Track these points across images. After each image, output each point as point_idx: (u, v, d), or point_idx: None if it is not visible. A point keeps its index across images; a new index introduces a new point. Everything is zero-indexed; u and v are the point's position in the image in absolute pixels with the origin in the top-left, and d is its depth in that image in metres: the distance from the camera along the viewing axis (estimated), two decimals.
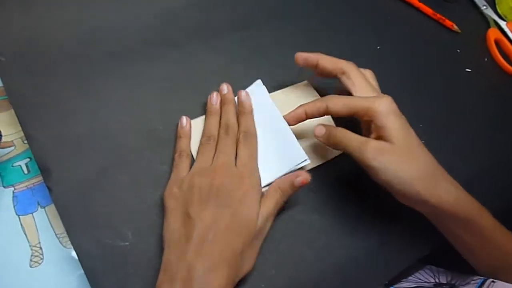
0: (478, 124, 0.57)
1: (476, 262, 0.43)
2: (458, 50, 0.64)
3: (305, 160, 0.43)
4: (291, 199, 0.44)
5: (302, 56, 0.47)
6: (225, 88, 0.47)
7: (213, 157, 0.41)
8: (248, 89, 0.48)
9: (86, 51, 0.49)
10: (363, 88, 0.43)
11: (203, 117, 0.47)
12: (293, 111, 0.44)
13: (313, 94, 0.50)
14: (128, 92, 0.48)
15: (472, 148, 0.55)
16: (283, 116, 0.45)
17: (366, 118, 0.40)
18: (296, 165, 0.43)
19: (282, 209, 0.43)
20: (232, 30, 0.56)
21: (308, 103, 0.43)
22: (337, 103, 0.41)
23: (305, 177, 0.40)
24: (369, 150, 0.38)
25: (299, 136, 0.45)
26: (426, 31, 0.65)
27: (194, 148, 0.44)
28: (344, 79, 0.44)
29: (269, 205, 0.40)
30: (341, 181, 0.47)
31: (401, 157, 0.38)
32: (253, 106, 0.47)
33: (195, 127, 0.46)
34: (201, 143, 0.43)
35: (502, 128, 0.58)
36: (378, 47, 0.60)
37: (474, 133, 0.56)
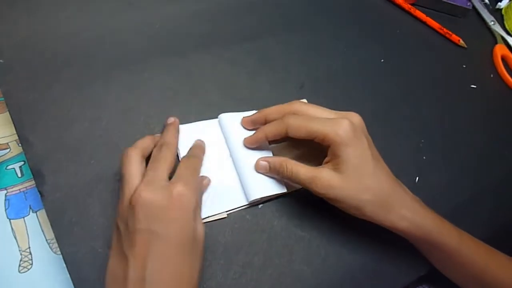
0: (483, 141, 0.56)
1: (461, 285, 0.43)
2: (464, 66, 0.63)
3: (283, 190, 0.43)
4: (290, 214, 0.43)
5: (247, 121, 0.45)
6: (171, 118, 0.45)
7: None
8: (242, 114, 0.46)
9: (88, 58, 0.49)
10: (321, 114, 0.41)
11: (191, 124, 0.46)
12: (253, 135, 0.43)
13: None
14: (129, 100, 0.47)
15: (477, 165, 0.54)
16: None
17: (324, 144, 0.39)
18: (274, 193, 0.42)
19: (280, 224, 0.42)
20: (237, 41, 0.56)
21: (268, 126, 0.42)
22: (297, 127, 0.39)
23: (209, 180, 0.41)
24: (318, 185, 0.38)
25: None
26: (432, 46, 0.65)
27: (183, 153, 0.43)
28: None
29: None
30: None
31: (351, 188, 0.38)
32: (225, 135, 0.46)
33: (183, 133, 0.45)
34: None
35: (508, 145, 0.57)
36: (382, 60, 0.59)
37: (479, 150, 0.55)
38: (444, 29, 0.65)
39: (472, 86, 0.61)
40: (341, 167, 0.38)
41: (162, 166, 0.36)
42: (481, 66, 0.65)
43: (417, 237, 0.40)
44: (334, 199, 0.38)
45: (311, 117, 0.40)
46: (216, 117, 0.47)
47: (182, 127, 0.45)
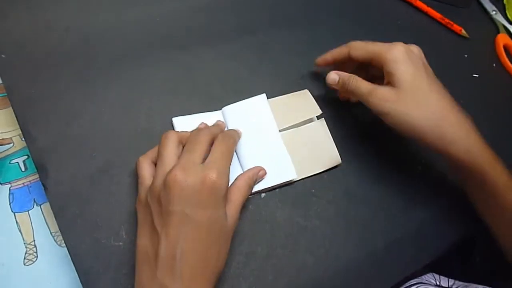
0: (486, 130, 0.56)
1: (498, 233, 0.42)
2: (466, 55, 0.63)
3: (294, 177, 0.44)
4: (293, 204, 0.43)
5: (324, 59, 0.49)
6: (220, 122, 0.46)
7: None
8: (250, 100, 0.48)
9: (90, 52, 0.49)
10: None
11: (188, 116, 0.46)
12: (322, 56, 0.49)
13: (312, 103, 0.49)
14: (131, 95, 0.47)
15: None
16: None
17: (378, 64, 0.42)
18: (285, 181, 0.44)
19: (283, 214, 0.43)
20: (238, 34, 0.56)
21: (335, 49, 0.47)
22: (358, 47, 0.44)
23: (264, 171, 0.43)
24: (375, 97, 0.41)
25: (291, 149, 0.45)
26: (434, 36, 0.64)
27: None
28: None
29: (238, 201, 0.38)
30: (342, 185, 0.46)
31: (406, 103, 0.40)
32: (253, 117, 0.46)
33: (180, 126, 0.45)
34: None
35: (511, 134, 0.57)
36: None
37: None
38: (446, 19, 0.65)
39: (475, 75, 0.61)
40: (396, 83, 0.40)
41: (199, 150, 0.37)
42: (483, 56, 0.64)
43: (466, 168, 0.40)
44: (388, 114, 0.40)
45: (372, 42, 0.44)
46: (218, 109, 0.47)
47: (181, 119, 0.45)
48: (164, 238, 0.33)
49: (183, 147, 0.38)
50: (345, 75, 0.45)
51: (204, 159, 0.36)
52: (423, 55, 0.43)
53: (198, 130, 0.39)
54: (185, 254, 0.32)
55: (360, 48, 0.44)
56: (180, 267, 0.32)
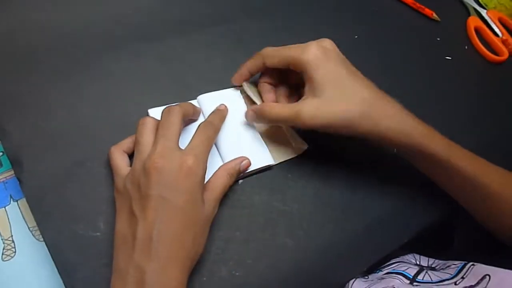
0: (460, 112, 0.57)
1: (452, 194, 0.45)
2: (438, 39, 0.64)
3: (271, 162, 0.45)
4: (271, 189, 0.44)
5: (235, 77, 0.46)
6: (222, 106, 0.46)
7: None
8: (221, 91, 0.48)
9: (64, 45, 0.49)
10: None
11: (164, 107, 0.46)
12: (237, 72, 0.46)
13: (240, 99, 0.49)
14: (106, 87, 0.47)
15: (454, 136, 0.54)
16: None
17: (296, 69, 0.41)
18: (263, 165, 0.44)
19: (261, 199, 0.43)
20: (212, 24, 0.56)
21: (247, 61, 0.45)
22: (271, 55, 0.42)
23: (247, 162, 0.42)
24: (304, 117, 0.39)
25: (266, 138, 0.46)
26: (406, 20, 0.65)
27: None
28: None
29: (216, 189, 0.39)
30: (319, 169, 0.46)
31: (334, 109, 0.39)
32: (228, 107, 0.46)
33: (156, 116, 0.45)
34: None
35: (484, 115, 0.58)
36: (356, 36, 0.60)
37: (456, 121, 0.56)
38: (417, 4, 0.66)
39: (447, 58, 0.62)
40: (318, 90, 0.39)
41: (172, 132, 0.37)
42: (455, 39, 0.66)
43: (406, 146, 0.41)
44: (324, 125, 0.39)
45: (284, 47, 0.42)
46: (194, 99, 0.47)
47: (158, 109, 0.45)
48: (142, 221, 0.33)
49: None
50: (255, 107, 0.43)
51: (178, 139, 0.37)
52: (336, 48, 0.42)
53: (168, 111, 0.39)
54: (161, 236, 0.33)
55: (273, 56, 0.42)
56: (156, 247, 0.32)
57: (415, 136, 0.40)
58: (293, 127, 0.46)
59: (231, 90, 0.48)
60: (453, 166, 0.41)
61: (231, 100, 0.47)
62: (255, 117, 0.44)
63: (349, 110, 0.39)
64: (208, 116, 0.43)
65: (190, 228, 0.35)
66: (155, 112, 0.45)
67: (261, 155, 0.44)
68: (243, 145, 0.44)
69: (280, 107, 0.42)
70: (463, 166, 0.41)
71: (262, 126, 0.47)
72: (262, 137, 0.46)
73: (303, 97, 0.41)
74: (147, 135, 0.38)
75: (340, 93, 0.39)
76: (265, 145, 0.45)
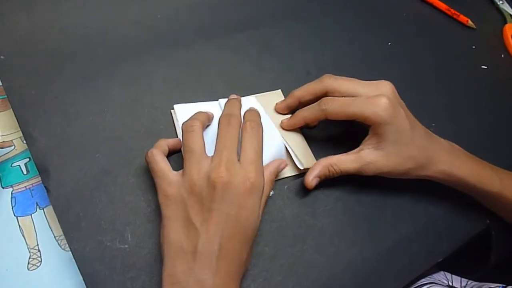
0: (495, 122, 0.55)
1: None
2: (474, 47, 0.62)
3: (300, 167, 0.43)
4: (301, 203, 0.42)
5: (282, 107, 0.46)
6: (234, 95, 0.45)
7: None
8: (243, 98, 0.46)
9: (91, 51, 0.48)
10: (354, 88, 0.42)
11: (192, 104, 0.46)
12: (291, 120, 0.45)
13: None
14: (134, 93, 0.46)
15: (489, 148, 0.52)
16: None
17: (365, 122, 0.40)
18: (293, 174, 0.44)
19: (291, 212, 0.42)
20: (240, 29, 0.55)
21: (305, 111, 0.43)
22: (335, 113, 0.41)
23: (285, 163, 0.43)
24: (368, 171, 0.41)
25: (290, 144, 0.44)
26: (440, 28, 0.63)
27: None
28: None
29: (263, 201, 0.38)
30: (349, 182, 0.45)
31: (394, 163, 0.41)
32: None
33: (183, 113, 0.44)
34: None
35: None
36: (389, 43, 0.58)
37: (491, 132, 0.54)
38: (452, 10, 0.64)
39: (483, 67, 0.60)
40: (382, 145, 0.40)
41: (233, 146, 0.37)
42: (491, 47, 0.63)
43: (456, 185, 0.43)
44: (382, 174, 0.41)
45: (348, 100, 0.41)
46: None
47: (183, 106, 0.45)
48: (203, 234, 0.33)
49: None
50: (321, 170, 0.41)
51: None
52: (396, 92, 0.42)
53: (228, 122, 0.39)
54: (223, 251, 0.33)
55: (339, 113, 0.41)
56: (216, 263, 0.32)
57: (467, 176, 0.42)
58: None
59: (251, 98, 0.47)
60: (505, 198, 0.42)
61: (250, 105, 0.46)
62: (318, 181, 0.42)
63: (405, 164, 0.41)
64: (246, 121, 0.41)
65: (247, 243, 0.35)
66: (181, 108, 0.45)
67: (290, 162, 0.44)
68: (269, 152, 0.42)
69: (341, 160, 0.41)
70: None
71: (286, 133, 0.45)
72: (287, 144, 0.44)
73: (365, 147, 0.41)
74: (199, 143, 0.37)
75: (401, 150, 0.40)
76: (291, 150, 0.44)
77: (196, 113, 0.42)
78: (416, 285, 0.45)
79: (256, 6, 0.57)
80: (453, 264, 0.49)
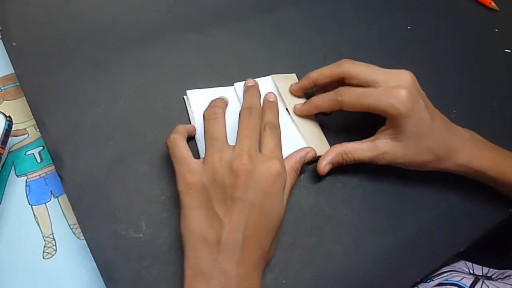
0: None
1: None
2: (497, 30, 0.60)
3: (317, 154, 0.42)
4: (318, 192, 0.41)
5: (296, 89, 0.45)
6: (251, 80, 0.44)
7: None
8: (258, 80, 0.45)
9: (102, 38, 0.48)
10: (371, 75, 0.40)
11: (205, 90, 0.45)
12: (305, 106, 0.44)
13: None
14: (146, 79, 0.45)
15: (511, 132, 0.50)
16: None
17: (379, 114, 0.39)
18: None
19: (308, 202, 0.41)
20: (255, 13, 0.53)
21: (321, 99, 0.42)
22: (352, 104, 0.40)
23: (313, 152, 0.41)
24: (383, 160, 0.40)
25: (304, 132, 0.43)
26: (462, 10, 0.61)
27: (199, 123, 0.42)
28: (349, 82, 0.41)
29: (287, 190, 0.37)
30: (368, 171, 0.43)
31: (411, 154, 0.39)
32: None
33: (196, 99, 0.44)
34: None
35: None
36: (408, 27, 0.56)
37: None
38: None
39: (506, 50, 0.58)
40: (400, 137, 0.39)
41: (255, 136, 0.37)
42: None
43: (476, 177, 0.42)
44: (397, 164, 0.40)
45: (365, 91, 0.39)
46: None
47: (196, 92, 0.44)
48: (227, 224, 0.32)
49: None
50: (334, 158, 0.40)
51: None
52: (416, 82, 0.40)
53: (250, 112, 0.38)
54: (247, 241, 0.32)
55: (356, 104, 0.39)
56: (242, 252, 0.32)
57: (488, 169, 0.40)
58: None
59: (267, 78, 0.46)
60: None
61: (266, 89, 0.44)
62: (330, 168, 0.41)
63: (422, 156, 0.40)
64: (265, 123, 0.39)
65: (272, 233, 0.35)
66: (194, 94, 0.44)
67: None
68: (288, 139, 0.42)
69: (357, 148, 0.40)
70: None
71: (300, 120, 0.44)
72: (299, 131, 0.43)
73: (380, 137, 0.40)
74: (222, 131, 0.37)
75: (420, 142, 0.39)
76: (304, 137, 0.43)
77: (215, 100, 0.41)
78: (436, 274, 0.44)
79: None
80: (475, 254, 0.47)
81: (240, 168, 0.33)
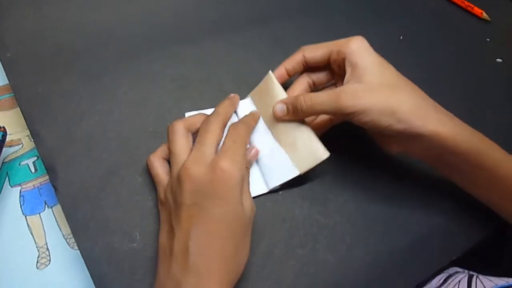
0: (510, 115, 0.53)
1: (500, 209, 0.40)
2: (488, 39, 0.60)
3: (296, 173, 0.40)
4: (312, 201, 0.42)
5: (281, 71, 0.44)
6: (232, 94, 0.43)
7: None
8: (240, 102, 0.44)
9: (97, 50, 0.48)
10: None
11: (201, 111, 0.44)
12: (276, 71, 0.43)
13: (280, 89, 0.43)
14: (141, 92, 0.46)
15: (505, 143, 0.51)
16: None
17: (339, 58, 0.39)
18: (288, 179, 0.41)
19: (302, 212, 0.41)
20: (250, 25, 0.54)
21: (287, 59, 0.43)
22: (312, 47, 0.41)
23: (255, 150, 0.41)
24: (345, 98, 0.36)
25: (286, 147, 0.41)
26: (454, 20, 0.62)
27: None
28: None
29: (246, 189, 0.36)
30: (362, 180, 0.44)
31: (380, 94, 0.36)
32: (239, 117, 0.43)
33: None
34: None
35: None
36: (401, 37, 0.57)
37: (507, 127, 0.52)
38: (466, 2, 0.62)
39: (498, 60, 0.58)
40: (362, 75, 0.37)
41: (210, 139, 0.35)
42: (506, 39, 0.62)
43: (459, 147, 0.36)
44: (365, 110, 0.35)
45: (325, 43, 0.41)
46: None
47: (194, 114, 0.43)
48: (177, 232, 0.32)
49: (193, 134, 0.38)
50: (290, 98, 0.39)
51: (217, 145, 0.36)
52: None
53: (207, 120, 0.37)
54: (198, 247, 0.31)
55: (315, 49, 0.41)
56: (193, 261, 0.30)
57: (470, 140, 0.37)
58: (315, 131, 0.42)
59: (247, 100, 0.45)
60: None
61: (243, 110, 0.44)
62: (286, 110, 0.39)
63: (393, 96, 0.35)
64: (241, 118, 0.41)
65: (231, 237, 0.33)
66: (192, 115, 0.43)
67: (285, 168, 0.41)
68: (263, 159, 0.41)
69: (317, 93, 0.38)
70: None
71: (280, 132, 0.41)
72: (281, 146, 0.41)
73: (344, 83, 0.38)
74: (180, 143, 0.36)
75: (384, 80, 0.37)
76: (286, 155, 0.41)
77: (190, 115, 0.41)
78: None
79: (265, 1, 0.56)
80: (468, 264, 0.48)
81: (183, 174, 0.33)
